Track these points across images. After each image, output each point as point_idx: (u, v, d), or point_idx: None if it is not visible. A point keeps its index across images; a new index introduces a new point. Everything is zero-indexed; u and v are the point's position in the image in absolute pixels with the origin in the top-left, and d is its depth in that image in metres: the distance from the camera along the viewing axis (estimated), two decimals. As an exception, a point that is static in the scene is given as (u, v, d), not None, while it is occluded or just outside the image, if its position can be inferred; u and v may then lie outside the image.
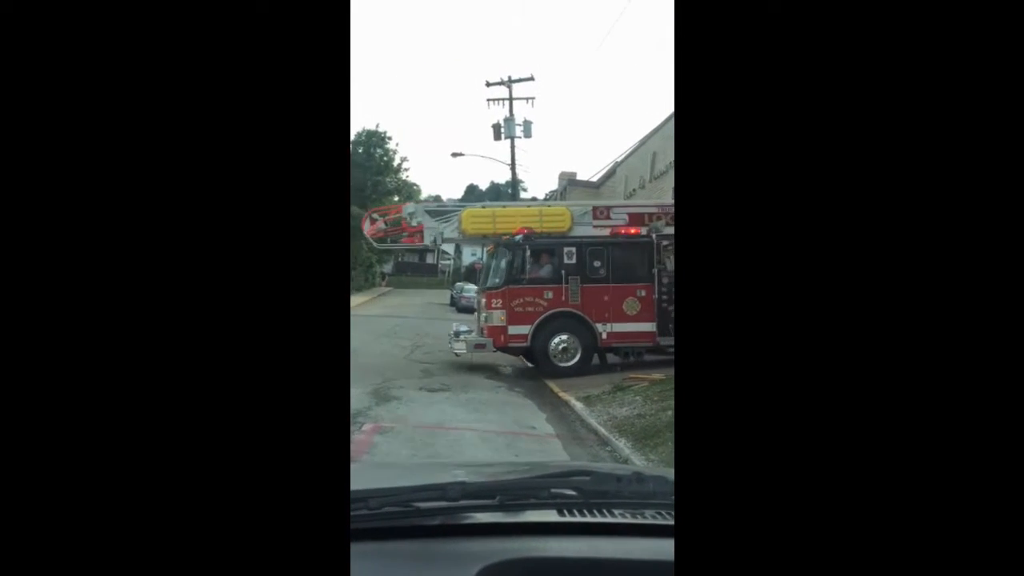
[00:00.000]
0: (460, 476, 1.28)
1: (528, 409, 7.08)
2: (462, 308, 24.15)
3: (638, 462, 4.73)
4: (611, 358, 9.33)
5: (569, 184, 20.69)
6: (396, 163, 37.09)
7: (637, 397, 6.72)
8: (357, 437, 5.29)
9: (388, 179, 36.04)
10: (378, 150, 36.33)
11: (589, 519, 1.07)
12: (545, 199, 21.99)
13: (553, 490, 1.14)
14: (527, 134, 20.45)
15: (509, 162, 20.67)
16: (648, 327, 9.10)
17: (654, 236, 9.16)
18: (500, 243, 9.19)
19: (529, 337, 8.95)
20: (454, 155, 25.44)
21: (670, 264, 9.17)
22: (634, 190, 15.69)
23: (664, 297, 9.19)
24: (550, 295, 9.01)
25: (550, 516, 1.07)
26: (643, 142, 15.85)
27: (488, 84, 20.31)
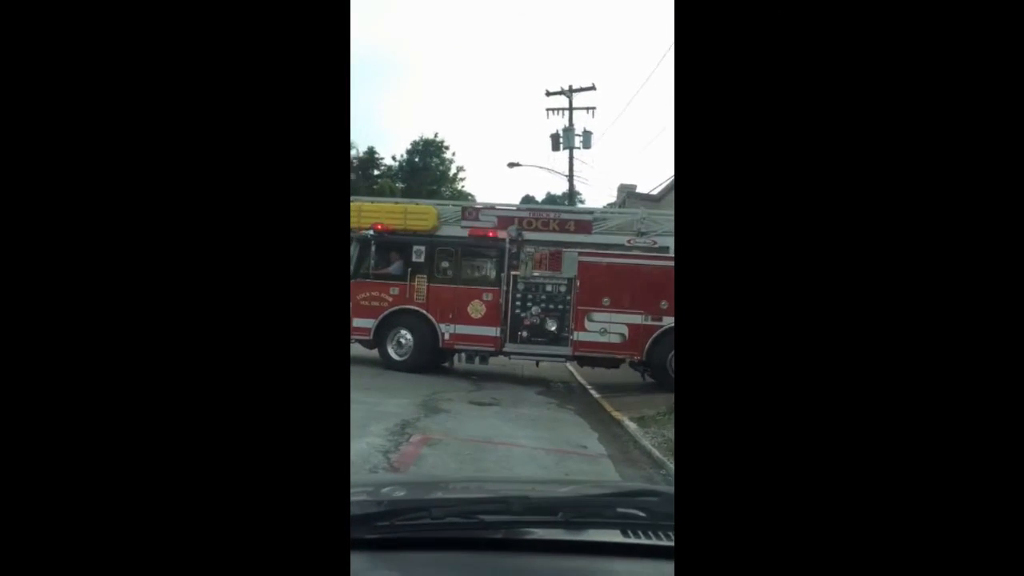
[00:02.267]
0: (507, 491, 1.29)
1: (580, 428, 7.05)
2: None
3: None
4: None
5: (628, 196, 20.57)
6: (452, 172, 37.67)
7: (694, 420, 6.60)
8: (405, 448, 5.38)
9: (444, 188, 36.60)
10: (435, 159, 36.94)
11: (656, 542, 1.05)
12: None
13: (619, 509, 1.14)
14: (586, 145, 20.43)
15: (567, 173, 20.70)
16: (492, 331, 9.23)
17: (507, 240, 9.20)
18: (352, 237, 8.92)
19: (372, 331, 9.12)
20: (511, 165, 25.63)
21: (527, 270, 9.31)
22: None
23: (517, 303, 9.27)
24: (396, 291, 9.19)
25: (614, 536, 1.06)
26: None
27: (548, 93, 20.38)
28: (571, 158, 20.47)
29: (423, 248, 9.26)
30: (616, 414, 7.48)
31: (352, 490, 1.34)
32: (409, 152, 37.12)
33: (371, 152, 35.40)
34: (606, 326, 9.08)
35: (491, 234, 9.37)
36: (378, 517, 1.05)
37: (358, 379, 8.41)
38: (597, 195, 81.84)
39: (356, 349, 9.07)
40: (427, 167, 36.52)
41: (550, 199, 34.90)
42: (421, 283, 9.18)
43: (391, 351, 9.28)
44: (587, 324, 9.12)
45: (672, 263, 8.92)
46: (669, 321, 8.76)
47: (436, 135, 37.35)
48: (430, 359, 9.27)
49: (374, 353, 9.43)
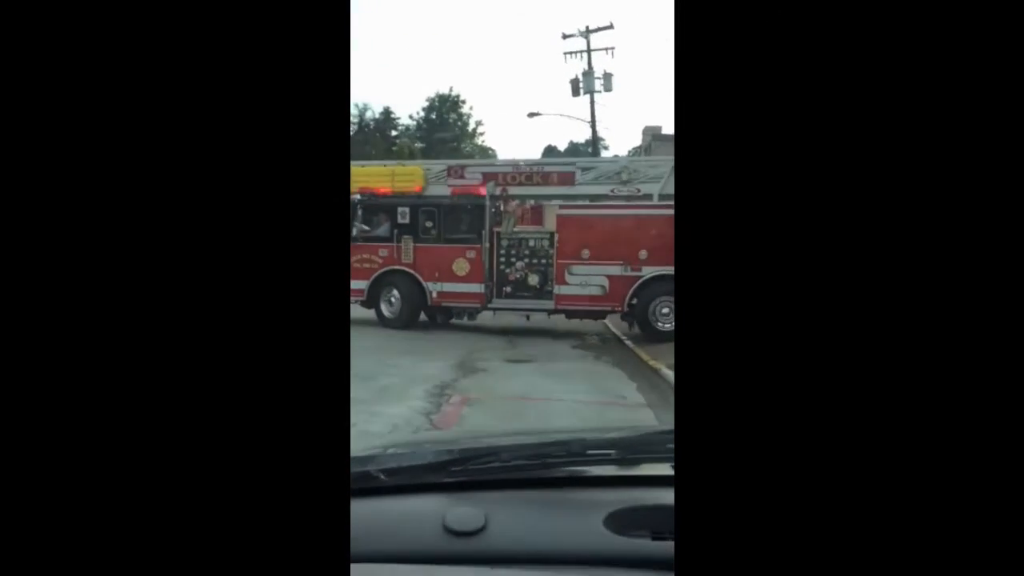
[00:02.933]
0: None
1: (617, 378, 7.10)
2: None
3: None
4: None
5: (654, 139, 20.18)
6: (471, 128, 37.32)
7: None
8: (446, 409, 5.49)
9: (464, 144, 36.33)
10: (451, 115, 36.59)
11: None
12: (629, 155, 21.56)
13: (668, 445, 1.21)
14: (607, 88, 19.98)
15: (589, 119, 20.33)
16: (477, 288, 9.54)
17: (487, 197, 9.39)
18: None
19: (365, 292, 9.68)
20: (530, 115, 25.24)
21: (509, 226, 9.50)
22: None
23: (502, 259, 9.52)
24: (385, 253, 9.67)
25: (665, 470, 1.14)
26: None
27: (564, 36, 19.92)
28: (592, 103, 20.07)
29: (407, 209, 9.61)
30: (653, 363, 7.50)
31: (408, 448, 1.43)
32: (425, 110, 36.80)
33: (387, 112, 35.21)
34: (586, 279, 9.17)
35: (471, 191, 9.57)
36: (452, 463, 1.17)
37: (392, 344, 8.61)
38: (622, 139, 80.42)
39: (358, 311, 9.60)
40: (444, 124, 36.22)
41: (572, 147, 34.46)
42: (408, 243, 9.58)
43: (384, 310, 9.81)
44: (567, 277, 9.23)
45: (651, 211, 9.06)
46: (650, 271, 8.91)
47: (451, 90, 36.99)
48: (419, 316, 9.82)
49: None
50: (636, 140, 22.90)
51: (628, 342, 9.25)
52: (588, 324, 10.16)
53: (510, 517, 1.04)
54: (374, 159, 18.06)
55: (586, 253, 9.15)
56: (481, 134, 38.14)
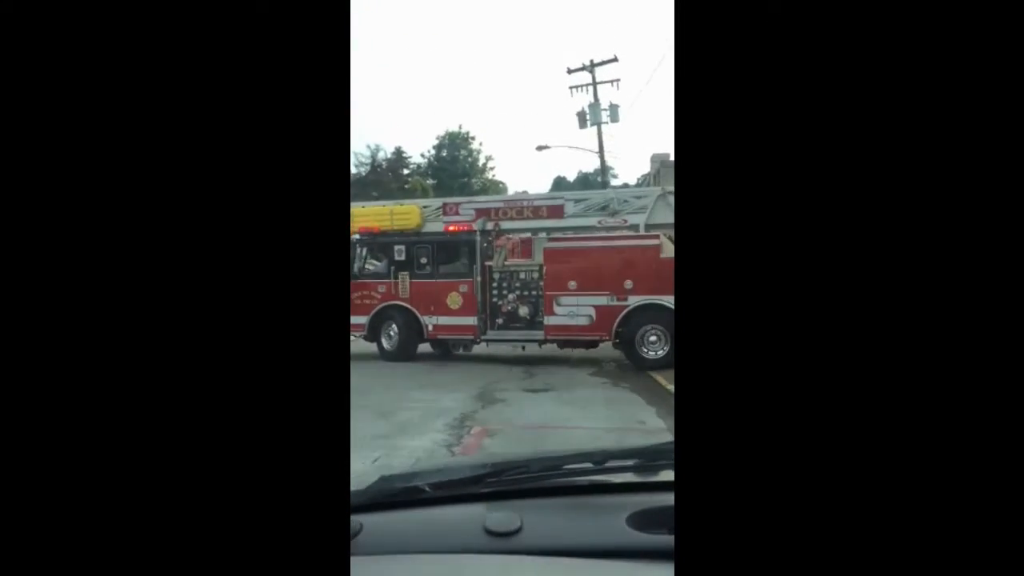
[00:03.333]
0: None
1: (636, 404, 7.12)
2: None
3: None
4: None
5: (663, 166, 20.33)
6: (481, 163, 37.80)
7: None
8: (467, 440, 5.55)
9: (474, 180, 36.76)
10: (462, 151, 37.12)
11: None
12: (637, 184, 21.74)
13: None
14: (614, 118, 20.25)
15: (597, 150, 20.58)
16: (470, 320, 9.97)
17: (477, 233, 9.92)
18: None
19: (366, 327, 10.24)
20: (539, 148, 25.47)
21: (500, 259, 9.97)
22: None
23: (494, 292, 9.93)
24: (383, 289, 10.28)
25: None
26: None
27: (570, 71, 20.26)
28: (600, 134, 20.33)
29: (403, 247, 10.23)
30: (670, 387, 7.51)
31: (437, 470, 1.54)
32: (436, 147, 37.39)
33: (399, 152, 35.74)
34: (574, 309, 9.47)
35: (463, 228, 10.10)
36: (489, 476, 1.30)
37: (409, 378, 8.68)
38: (631, 168, 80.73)
39: (362, 345, 10.12)
40: (455, 160, 36.72)
41: (582, 177, 34.73)
42: (404, 279, 10.17)
43: (384, 343, 10.34)
44: (556, 308, 9.55)
45: (635, 241, 9.30)
46: (635, 300, 9.14)
47: (460, 127, 37.59)
48: (416, 348, 10.36)
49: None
50: (645, 167, 23.08)
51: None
52: (606, 351, 10.21)
53: (542, 519, 1.15)
54: (387, 198, 18.40)
55: (573, 284, 9.46)
56: (491, 169, 38.53)
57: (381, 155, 35.14)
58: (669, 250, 9.06)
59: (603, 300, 9.30)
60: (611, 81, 20.42)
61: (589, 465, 1.31)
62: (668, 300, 8.87)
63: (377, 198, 18.54)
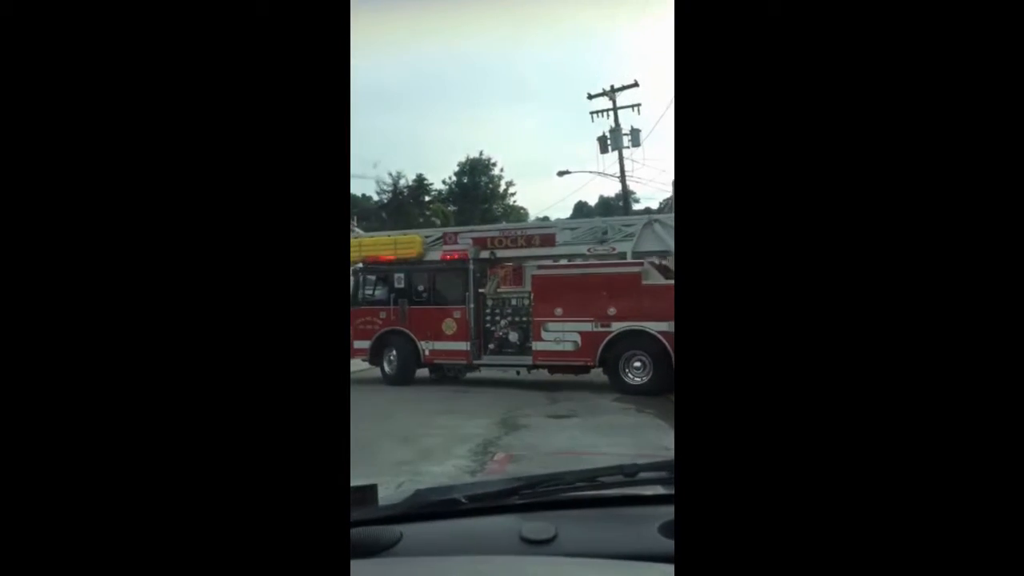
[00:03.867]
0: None
1: (661, 430, 7.04)
2: None
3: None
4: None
5: (684, 190, 20.29)
6: (502, 189, 38.07)
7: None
8: (491, 467, 5.52)
9: (495, 206, 37.01)
10: (483, 178, 37.44)
11: None
12: (659, 208, 21.73)
13: None
14: (635, 143, 20.34)
15: (618, 174, 20.65)
16: (463, 346, 10.37)
17: (472, 261, 10.36)
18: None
19: (369, 351, 10.79)
20: (560, 174, 25.63)
21: (492, 287, 10.38)
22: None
23: (487, 318, 10.32)
24: (384, 315, 10.80)
25: None
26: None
27: (590, 96, 20.45)
28: (621, 159, 20.41)
29: (402, 275, 10.83)
30: (698, 413, 7.42)
31: (471, 484, 1.57)
32: (457, 174, 37.77)
33: (420, 179, 36.18)
34: (560, 335, 9.75)
35: (455, 256, 10.63)
36: (523, 488, 1.33)
37: (430, 403, 8.69)
38: (652, 192, 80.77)
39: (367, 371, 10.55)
40: (476, 186, 37.04)
41: (603, 202, 34.81)
42: (403, 306, 10.71)
43: (386, 367, 10.85)
44: (543, 334, 9.85)
45: (619, 268, 9.52)
46: (619, 326, 9.35)
47: (481, 153, 37.94)
48: (414, 373, 10.87)
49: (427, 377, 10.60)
50: (667, 191, 23.09)
51: (671, 393, 9.17)
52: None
53: (576, 528, 1.19)
54: (408, 226, 18.69)
55: (559, 310, 9.73)
56: (512, 195, 38.77)
57: (403, 183, 35.62)
58: (654, 277, 9.29)
59: (588, 326, 9.54)
60: (632, 106, 20.56)
61: (621, 477, 1.34)
62: (651, 326, 9.04)
63: (398, 226, 18.85)
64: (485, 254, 10.64)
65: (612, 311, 9.37)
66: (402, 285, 10.83)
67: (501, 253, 10.67)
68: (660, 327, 8.98)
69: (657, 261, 9.71)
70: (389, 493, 1.25)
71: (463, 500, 1.29)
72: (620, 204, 22.07)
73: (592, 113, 20.41)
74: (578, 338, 9.60)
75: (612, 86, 20.18)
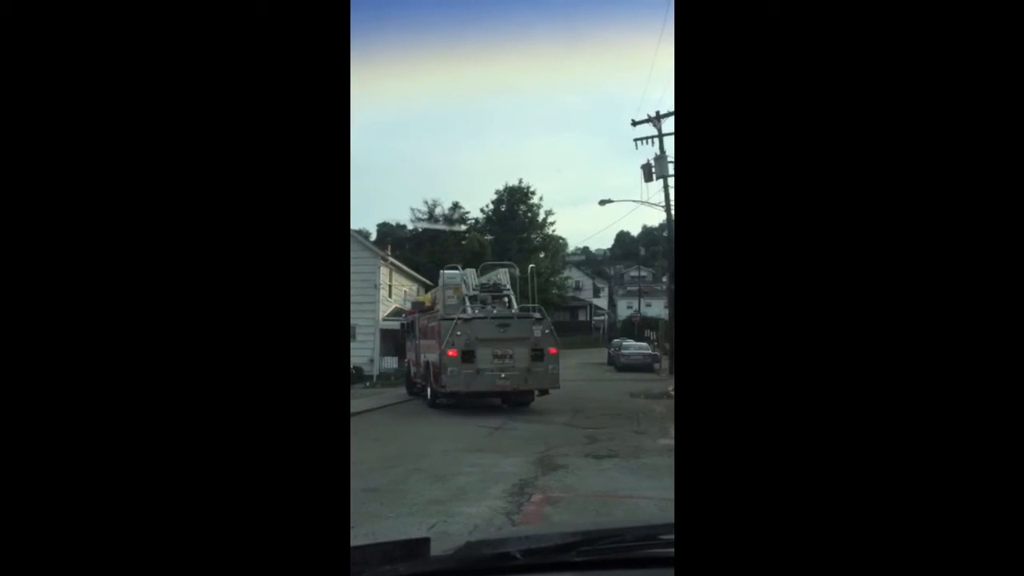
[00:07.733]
0: None
1: (709, 474, 6.87)
2: (622, 367, 23.67)
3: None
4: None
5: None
6: (541, 218, 38.23)
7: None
8: (528, 508, 5.43)
9: (534, 235, 37.14)
10: (521, 206, 37.66)
11: None
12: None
13: None
14: (679, 171, 20.28)
15: (663, 204, 20.56)
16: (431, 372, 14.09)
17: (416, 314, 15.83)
18: (403, 320, 18.26)
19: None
20: (602, 203, 25.62)
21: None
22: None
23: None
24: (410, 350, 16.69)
25: None
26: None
27: (634, 123, 20.52)
28: (666, 187, 20.33)
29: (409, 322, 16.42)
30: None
31: (525, 536, 1.55)
32: (495, 202, 38.09)
33: (455, 207, 36.64)
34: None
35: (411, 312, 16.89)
36: (581, 544, 1.28)
37: (464, 439, 8.65)
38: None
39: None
40: (514, 215, 37.26)
41: (646, 232, 34.75)
42: (410, 342, 16.15)
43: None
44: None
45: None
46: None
47: (520, 180, 38.23)
48: (411, 388, 15.58)
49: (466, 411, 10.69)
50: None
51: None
52: (669, 414, 10.05)
53: None
54: (442, 254, 19.88)
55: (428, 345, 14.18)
56: (552, 224, 38.89)
57: (438, 210, 36.08)
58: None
59: (433, 356, 12.99)
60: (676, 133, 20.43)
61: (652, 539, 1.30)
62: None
63: (433, 255, 20.24)
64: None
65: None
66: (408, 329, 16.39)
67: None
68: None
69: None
70: (421, 534, 1.22)
71: (517, 555, 1.24)
72: (664, 234, 21.93)
73: (636, 140, 20.44)
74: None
75: (658, 112, 20.23)
